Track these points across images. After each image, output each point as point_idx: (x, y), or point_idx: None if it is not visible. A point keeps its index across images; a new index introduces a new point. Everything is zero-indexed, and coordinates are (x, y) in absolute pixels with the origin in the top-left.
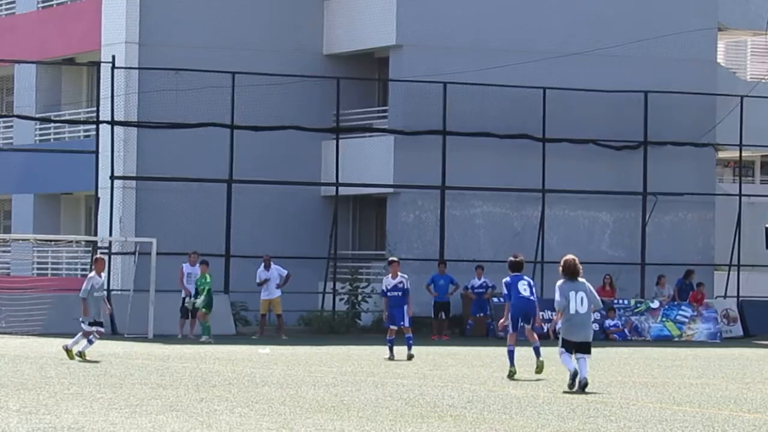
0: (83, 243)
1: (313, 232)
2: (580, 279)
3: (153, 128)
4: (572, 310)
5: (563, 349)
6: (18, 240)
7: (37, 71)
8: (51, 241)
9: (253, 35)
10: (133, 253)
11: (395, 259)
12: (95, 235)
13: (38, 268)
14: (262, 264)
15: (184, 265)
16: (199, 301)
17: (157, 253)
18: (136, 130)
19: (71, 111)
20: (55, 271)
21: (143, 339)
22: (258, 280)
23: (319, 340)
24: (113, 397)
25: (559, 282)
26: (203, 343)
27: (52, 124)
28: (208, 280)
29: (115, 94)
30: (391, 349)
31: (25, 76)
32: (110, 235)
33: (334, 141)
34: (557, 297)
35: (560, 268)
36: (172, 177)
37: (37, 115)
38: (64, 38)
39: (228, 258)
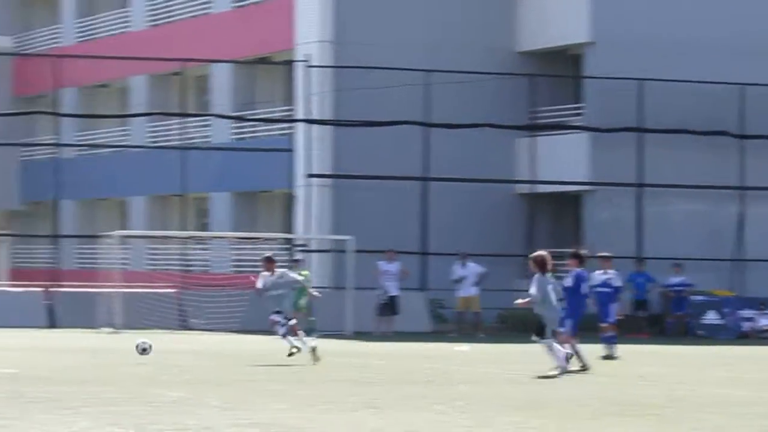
0: (280, 241)
1: (508, 229)
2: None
3: (348, 126)
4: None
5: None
6: (216, 238)
7: (233, 71)
8: (248, 238)
9: (445, 33)
10: (330, 251)
11: (607, 254)
12: (292, 232)
13: (236, 266)
14: (459, 261)
15: (380, 262)
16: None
17: (354, 251)
18: (332, 128)
19: (266, 110)
20: (253, 269)
21: (340, 336)
22: (454, 278)
23: (516, 337)
24: (311, 394)
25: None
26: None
27: (248, 123)
28: (304, 275)
29: (309, 92)
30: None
31: (221, 76)
32: (307, 232)
33: (528, 138)
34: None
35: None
36: (367, 175)
37: (233, 114)
38: (259, 37)
39: (424, 255)
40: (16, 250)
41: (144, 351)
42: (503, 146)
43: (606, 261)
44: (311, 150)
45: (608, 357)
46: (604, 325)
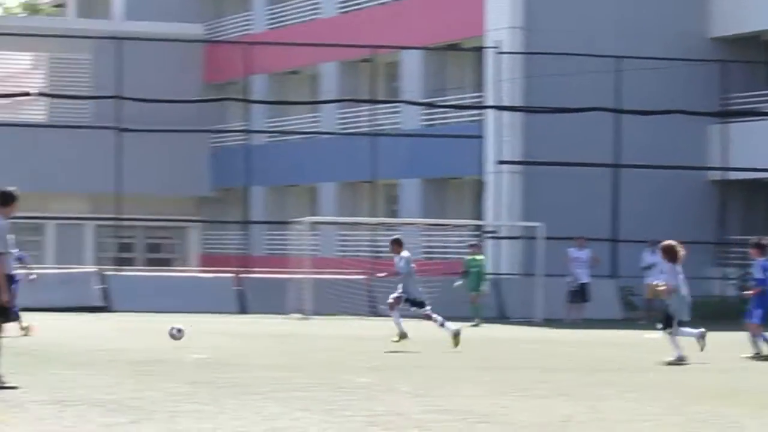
0: (470, 227)
1: (699, 216)
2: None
3: (538, 113)
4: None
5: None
6: (405, 224)
7: (423, 57)
8: (437, 225)
9: (637, 19)
10: (520, 238)
11: None
12: (481, 219)
13: (426, 252)
14: (648, 248)
15: (570, 249)
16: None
17: (544, 238)
18: (522, 115)
19: (456, 96)
20: (442, 255)
21: (530, 323)
22: (643, 265)
23: (709, 325)
24: (501, 381)
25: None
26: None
27: (438, 110)
28: (479, 261)
29: (500, 79)
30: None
31: (411, 62)
32: (497, 219)
33: (720, 125)
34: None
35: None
36: (558, 161)
37: (423, 100)
38: (449, 24)
39: (615, 242)
40: (206, 236)
41: (175, 335)
42: (695, 133)
43: None
44: (501, 136)
45: None
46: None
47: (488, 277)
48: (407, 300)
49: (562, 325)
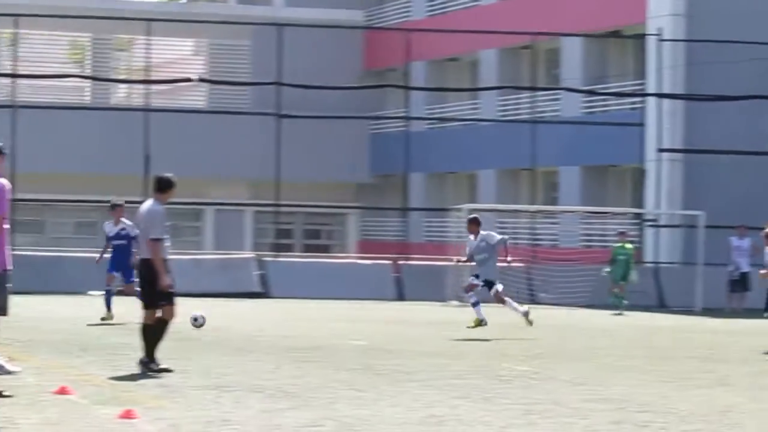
0: (630, 215)
1: None
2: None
3: (700, 101)
4: None
5: None
6: (565, 212)
7: (583, 44)
8: (597, 213)
9: None
10: (680, 226)
11: None
12: (641, 207)
13: (584, 240)
14: None
15: (731, 237)
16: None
17: (705, 226)
18: (683, 102)
19: (617, 84)
20: (601, 243)
21: (690, 312)
22: None
23: None
24: (661, 370)
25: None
26: (614, 315)
27: (598, 97)
28: (628, 249)
29: (661, 66)
30: None
31: (572, 49)
32: (657, 207)
33: None
34: None
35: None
36: (720, 150)
37: (584, 88)
38: (610, 11)
39: None
40: (365, 222)
41: (197, 322)
42: None
43: None
44: (662, 124)
45: None
46: None
47: (634, 265)
48: (485, 282)
49: (722, 315)
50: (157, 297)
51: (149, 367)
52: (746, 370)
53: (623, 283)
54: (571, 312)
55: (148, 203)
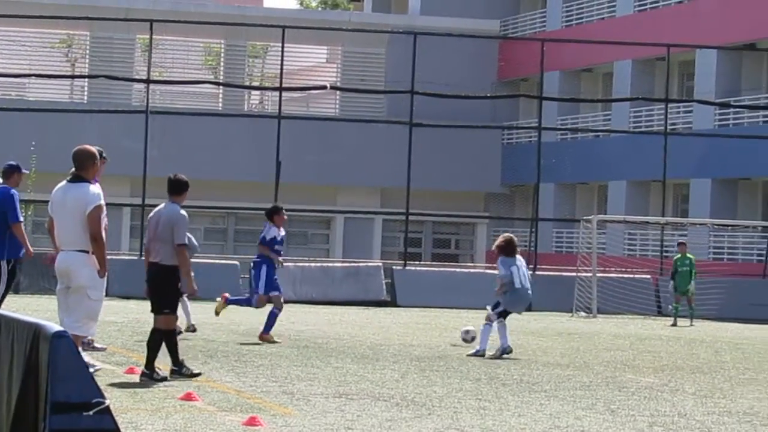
0: (759, 228)
1: None
2: (518, 256)
3: None
4: (517, 284)
5: (501, 319)
6: (695, 224)
7: (718, 56)
8: (727, 225)
9: None
10: None
11: None
12: None
13: (714, 252)
14: None
15: None
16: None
17: None
18: None
19: (750, 96)
20: (731, 256)
21: None
22: None
23: None
24: None
25: (501, 258)
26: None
27: (732, 110)
28: (689, 259)
29: None
30: None
31: (706, 61)
32: None
33: None
34: (502, 271)
35: (498, 247)
36: None
37: (717, 100)
38: (745, 23)
39: None
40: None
41: (466, 338)
42: None
43: None
44: None
45: None
46: None
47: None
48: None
49: None
50: (163, 304)
51: (151, 377)
52: None
53: (685, 295)
54: (701, 324)
55: (167, 206)
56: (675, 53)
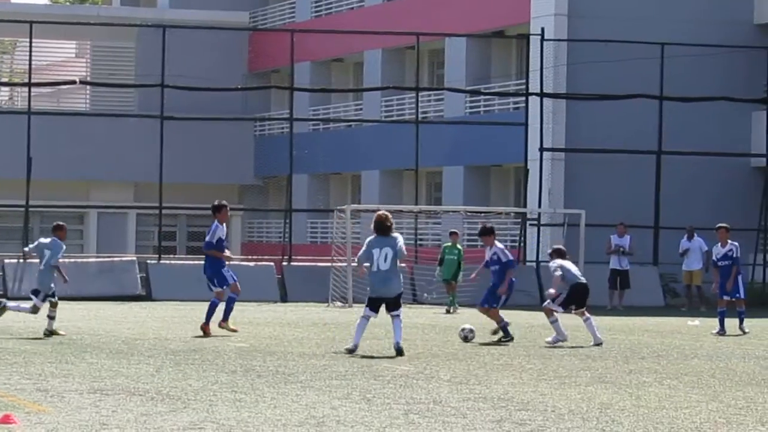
0: (512, 215)
1: (742, 203)
2: (393, 234)
3: (581, 100)
4: (375, 267)
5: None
6: (448, 211)
7: (467, 44)
8: (481, 212)
9: (681, 5)
10: (562, 225)
11: None
12: (524, 206)
13: (469, 240)
14: (686, 235)
15: (612, 236)
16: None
17: (586, 225)
18: (565, 102)
19: (500, 83)
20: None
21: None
22: (680, 251)
23: (753, 311)
24: (542, 368)
25: (369, 237)
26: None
27: (482, 97)
28: (457, 249)
29: (543, 66)
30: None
31: (455, 49)
32: (539, 206)
33: (765, 112)
34: (360, 252)
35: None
36: (600, 149)
37: (467, 88)
38: (494, 11)
39: (657, 230)
40: (249, 224)
41: (466, 338)
42: (738, 120)
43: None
44: (545, 124)
45: None
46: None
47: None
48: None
49: (604, 312)
50: None
51: None
52: (627, 368)
53: (454, 283)
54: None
55: None
56: (425, 42)
